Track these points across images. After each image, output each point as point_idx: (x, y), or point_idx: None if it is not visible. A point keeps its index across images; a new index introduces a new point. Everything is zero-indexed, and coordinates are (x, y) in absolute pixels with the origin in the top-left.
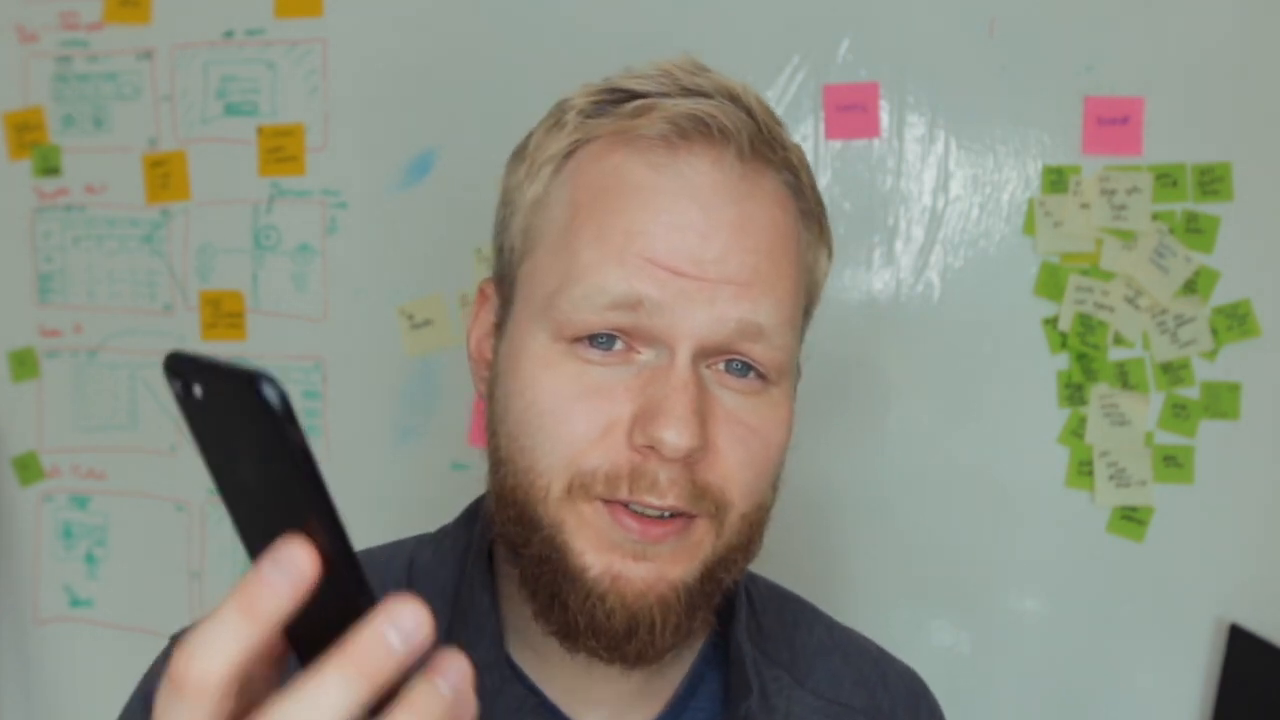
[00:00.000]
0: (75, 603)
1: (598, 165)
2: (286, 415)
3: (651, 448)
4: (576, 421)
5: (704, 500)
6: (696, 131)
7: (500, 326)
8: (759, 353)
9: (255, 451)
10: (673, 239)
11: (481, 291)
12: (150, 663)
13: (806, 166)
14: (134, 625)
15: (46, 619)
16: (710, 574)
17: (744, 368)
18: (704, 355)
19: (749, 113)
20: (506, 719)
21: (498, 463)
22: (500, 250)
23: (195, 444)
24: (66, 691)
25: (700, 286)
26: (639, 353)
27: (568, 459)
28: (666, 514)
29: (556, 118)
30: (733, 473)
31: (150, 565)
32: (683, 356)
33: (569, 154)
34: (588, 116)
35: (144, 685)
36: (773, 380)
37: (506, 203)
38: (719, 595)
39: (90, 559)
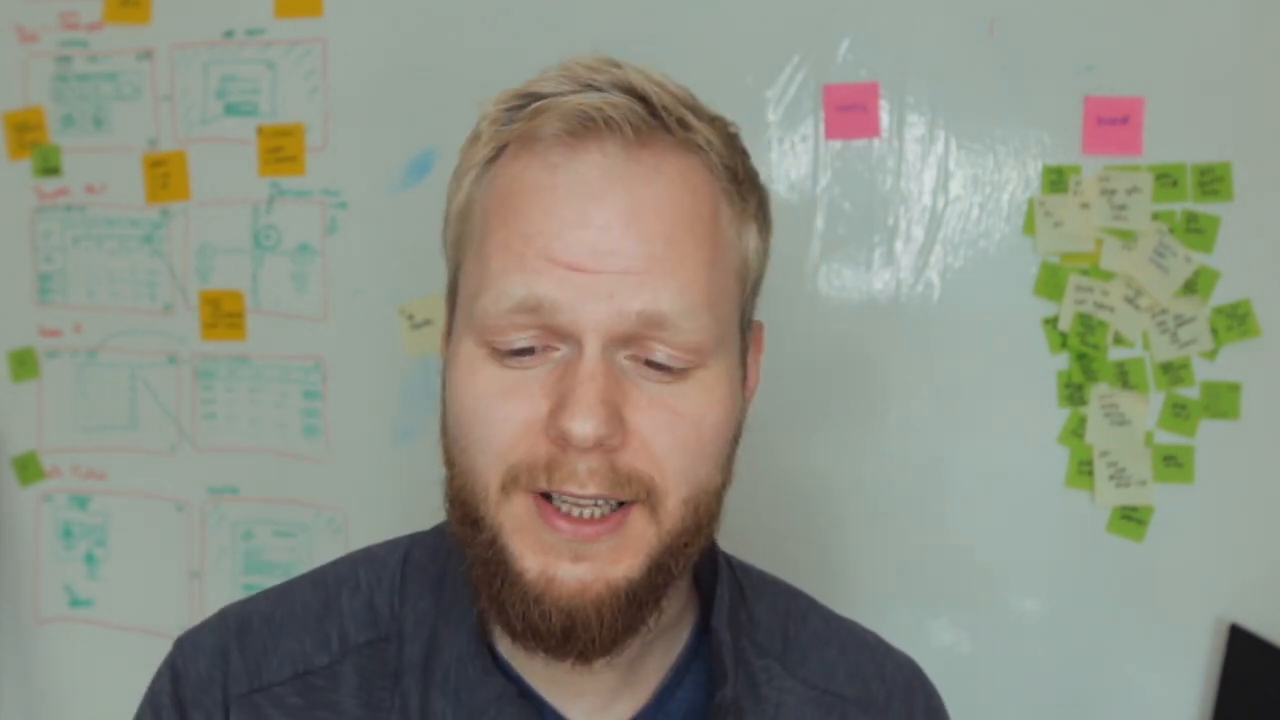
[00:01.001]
0: (75, 603)
1: (506, 172)
2: None
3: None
4: (499, 422)
5: (630, 485)
6: (584, 128)
7: (450, 333)
8: (669, 339)
9: None
10: (568, 236)
11: (448, 301)
12: (156, 668)
13: (726, 143)
14: (134, 625)
15: (46, 619)
16: (658, 566)
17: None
18: (616, 346)
19: (642, 98)
20: (488, 709)
21: (447, 464)
22: (447, 262)
23: None
24: (66, 691)
25: (598, 279)
26: (556, 349)
27: (496, 457)
28: (597, 511)
29: (475, 130)
30: (661, 459)
31: (150, 565)
32: (591, 349)
33: (487, 162)
34: (501, 125)
35: (152, 689)
36: (696, 364)
37: (445, 216)
38: (670, 585)
39: (90, 559)
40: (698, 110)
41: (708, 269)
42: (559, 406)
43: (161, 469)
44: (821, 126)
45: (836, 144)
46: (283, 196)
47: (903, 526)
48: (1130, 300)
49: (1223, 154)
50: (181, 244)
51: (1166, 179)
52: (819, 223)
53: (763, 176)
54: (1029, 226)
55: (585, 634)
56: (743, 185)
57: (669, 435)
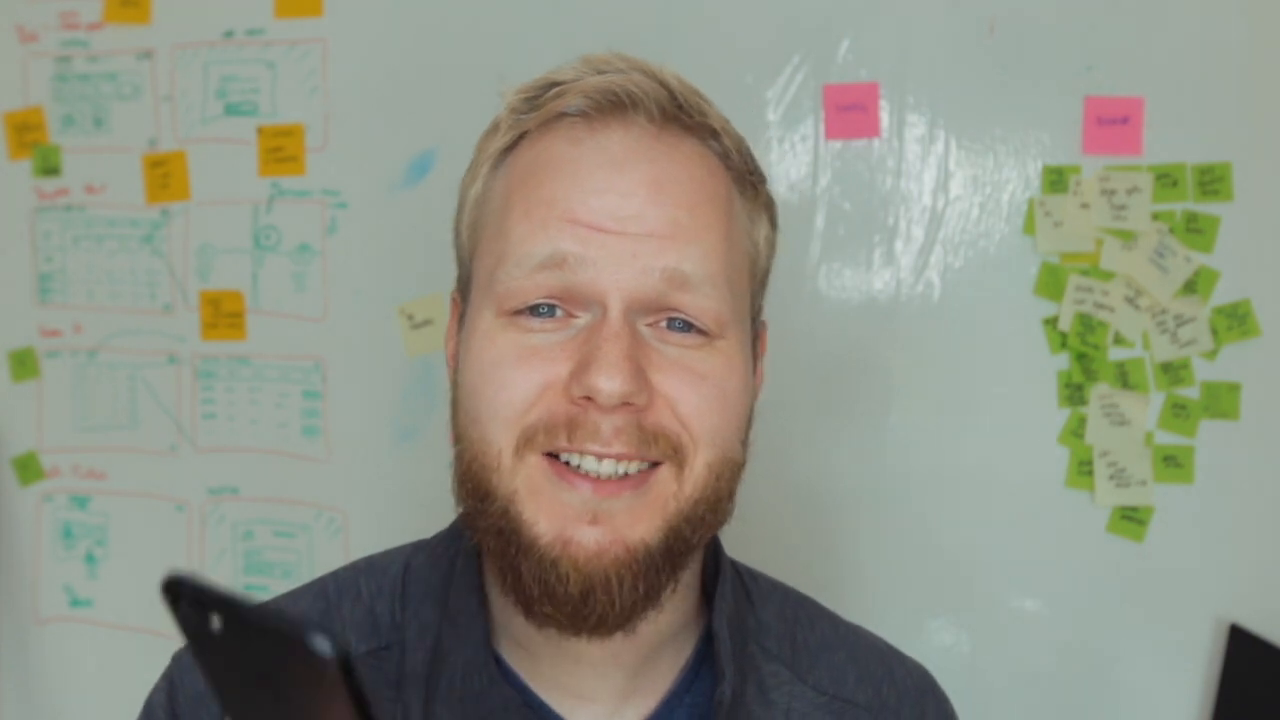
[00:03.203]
0: (75, 603)
1: (527, 153)
2: (346, 671)
3: (589, 399)
4: (517, 383)
5: (657, 444)
6: (609, 103)
7: (462, 322)
8: (691, 304)
9: (298, 702)
10: (591, 201)
11: (453, 300)
12: (155, 668)
13: (734, 135)
14: (134, 625)
15: (46, 619)
16: (676, 531)
17: (685, 324)
18: (638, 311)
19: (661, 83)
20: (494, 718)
21: (457, 440)
22: (458, 255)
23: (205, 677)
24: (66, 691)
25: (622, 240)
26: (576, 317)
27: (510, 419)
28: (620, 471)
29: (494, 122)
30: (689, 416)
31: (150, 565)
32: (614, 310)
33: (505, 150)
34: (519, 114)
35: (149, 702)
36: (715, 334)
37: (459, 208)
38: (688, 555)
39: (90, 559)
40: (710, 104)
41: (726, 244)
42: (583, 366)
43: (161, 469)
44: (821, 126)
45: (836, 144)
46: (283, 196)
47: (902, 526)
48: (1130, 300)
49: (1223, 154)
50: (181, 244)
51: (1166, 179)
52: (819, 223)
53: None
54: (1029, 226)
55: (605, 598)
56: (753, 176)
57: (694, 394)
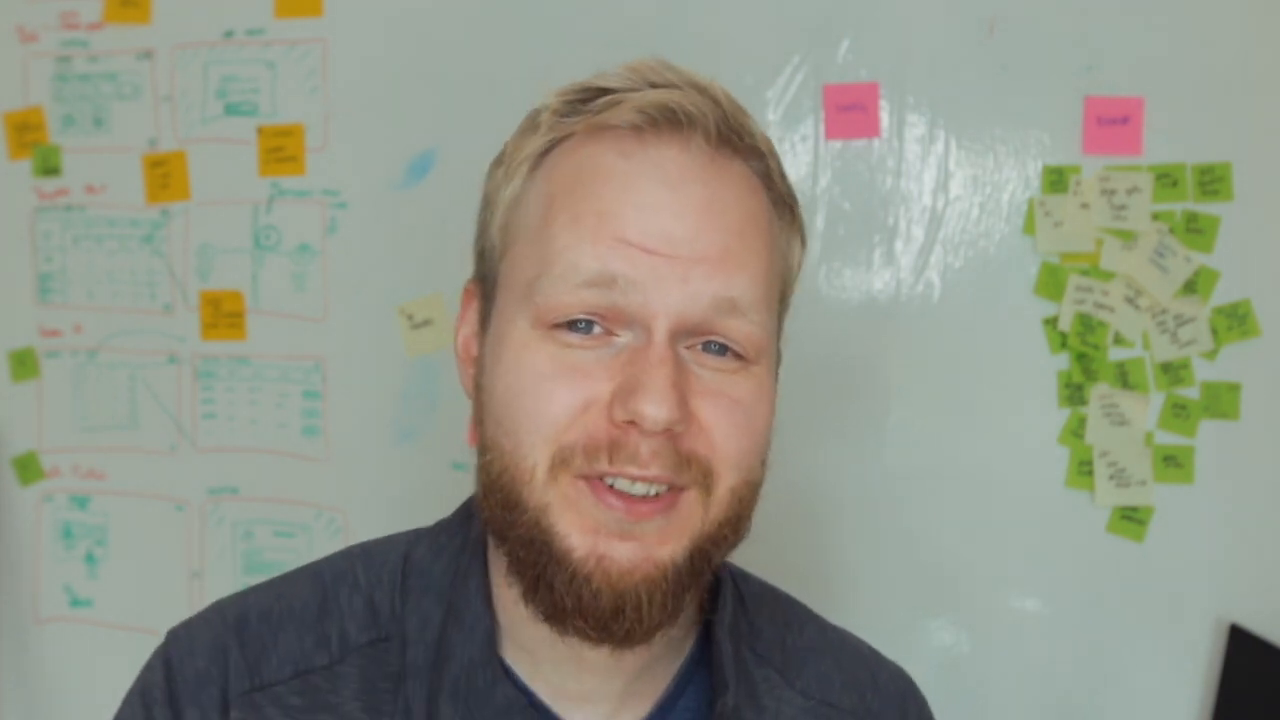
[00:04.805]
0: (75, 603)
1: (571, 159)
2: None
3: (632, 423)
4: (556, 399)
5: (689, 470)
6: (664, 119)
7: (484, 322)
8: (736, 329)
9: None
10: (644, 220)
11: (467, 292)
12: (147, 658)
13: (775, 155)
14: (134, 625)
15: (46, 619)
16: (700, 551)
17: (722, 348)
18: (681, 334)
19: (715, 101)
20: (496, 718)
21: (485, 449)
22: (481, 252)
23: None
24: (66, 691)
25: (673, 264)
26: (617, 335)
27: (549, 436)
28: (652, 491)
29: (532, 121)
30: (719, 443)
31: (150, 565)
32: (660, 334)
33: (544, 152)
34: (561, 116)
35: (143, 680)
36: (751, 359)
37: (486, 205)
38: (709, 573)
39: (90, 559)
40: (755, 121)
41: (768, 271)
42: (629, 390)
43: (161, 469)
44: (821, 126)
45: (836, 144)
46: (283, 196)
47: (902, 526)
48: (1130, 300)
49: (1223, 154)
50: (181, 244)
51: (1166, 179)
52: (819, 223)
53: None
54: (1029, 226)
55: (634, 614)
56: (790, 199)
57: (727, 421)
